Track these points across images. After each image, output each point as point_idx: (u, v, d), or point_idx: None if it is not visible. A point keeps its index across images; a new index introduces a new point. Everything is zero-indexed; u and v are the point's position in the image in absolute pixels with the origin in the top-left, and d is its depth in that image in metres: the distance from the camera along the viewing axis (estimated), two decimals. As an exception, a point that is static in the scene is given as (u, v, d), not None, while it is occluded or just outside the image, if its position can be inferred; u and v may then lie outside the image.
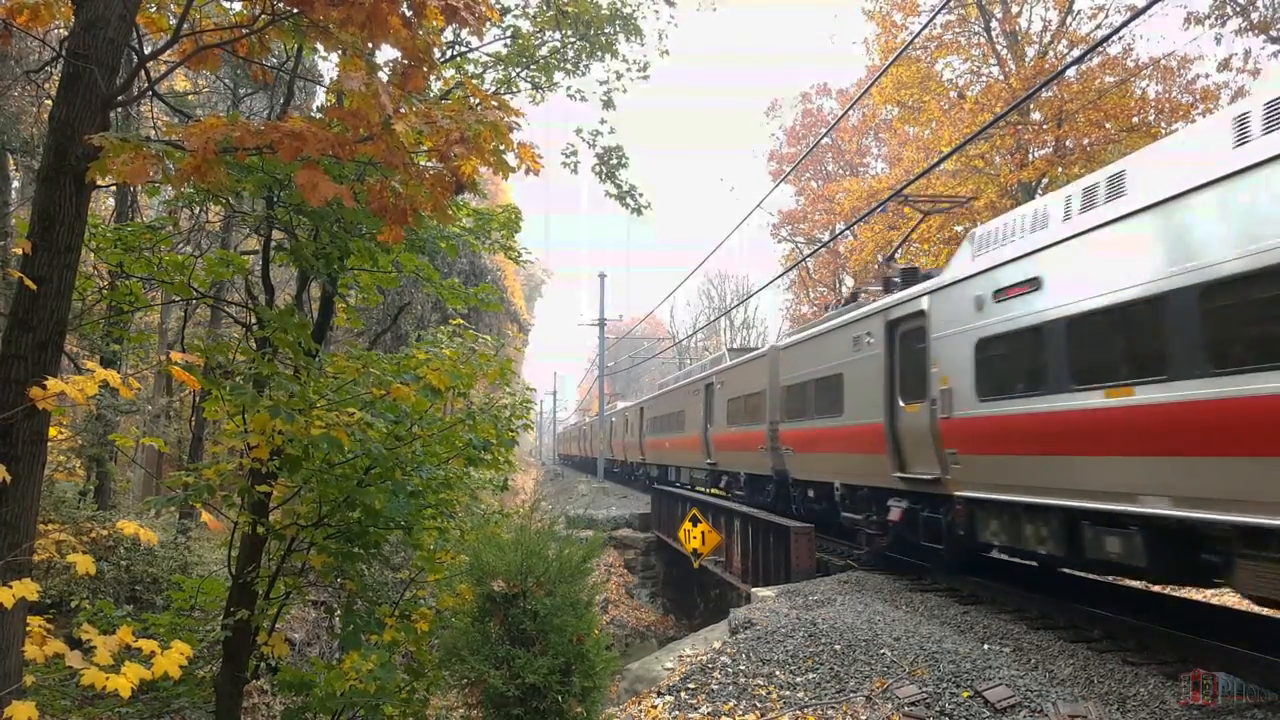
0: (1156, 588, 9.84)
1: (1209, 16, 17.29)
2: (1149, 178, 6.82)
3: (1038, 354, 7.67)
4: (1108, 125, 18.27)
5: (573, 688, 5.74)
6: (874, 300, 11.80)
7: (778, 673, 6.98)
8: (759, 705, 6.38)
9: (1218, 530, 5.90)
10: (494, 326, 26.59)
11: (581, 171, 10.44)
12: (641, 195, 10.36)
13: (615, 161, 9.97)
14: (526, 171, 3.75)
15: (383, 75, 3.55)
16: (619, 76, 9.55)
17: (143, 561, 10.95)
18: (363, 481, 5.66)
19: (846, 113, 23.64)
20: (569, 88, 9.24)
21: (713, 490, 20.65)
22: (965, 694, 6.06)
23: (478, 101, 3.72)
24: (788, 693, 6.57)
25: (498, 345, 9.85)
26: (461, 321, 7.35)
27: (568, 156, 10.09)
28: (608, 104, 9.76)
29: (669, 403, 26.45)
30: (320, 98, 12.35)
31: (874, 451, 10.85)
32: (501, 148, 3.51)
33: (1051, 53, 19.44)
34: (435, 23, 3.63)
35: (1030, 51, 20.17)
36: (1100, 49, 17.63)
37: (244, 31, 4.06)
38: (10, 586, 2.82)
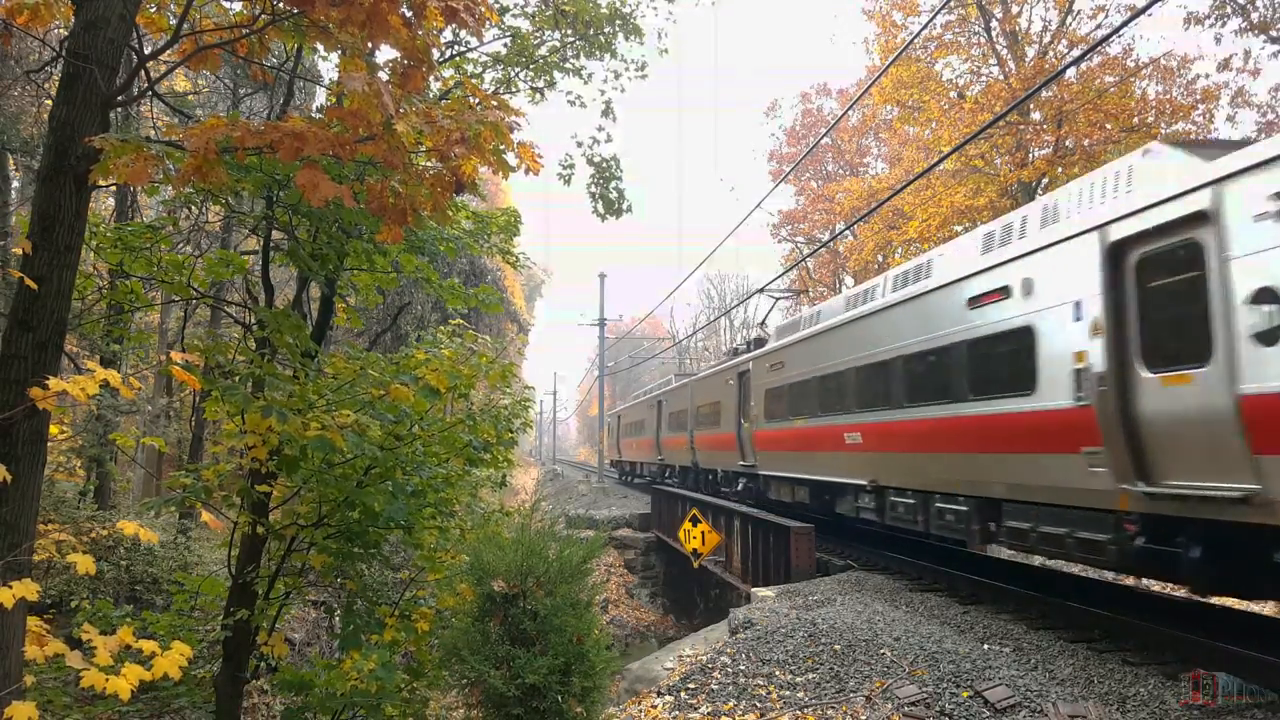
0: (1158, 587, 10.06)
1: (1209, 16, 17.29)
2: (825, 319, 13.46)
3: (782, 400, 15.16)
4: (1108, 125, 18.25)
5: (573, 688, 5.74)
6: (748, 352, 18.75)
7: (778, 673, 6.98)
8: (759, 705, 6.38)
9: (827, 484, 13.18)
10: (494, 327, 26.63)
11: (580, 176, 10.41)
12: (625, 200, 10.14)
13: (609, 173, 9.84)
14: (526, 171, 3.75)
15: (382, 75, 3.54)
16: (617, 76, 9.50)
17: (143, 561, 10.93)
18: (362, 482, 5.64)
19: (846, 112, 23.59)
20: (568, 92, 9.22)
21: (664, 480, 28.28)
22: (965, 694, 6.06)
23: (478, 101, 3.72)
24: (788, 693, 6.57)
25: (499, 347, 9.82)
26: (461, 322, 7.34)
27: (564, 168, 9.99)
28: (607, 112, 9.68)
29: (636, 413, 35.15)
30: (320, 98, 12.35)
31: (731, 450, 18.85)
32: (502, 147, 3.51)
33: (1051, 53, 19.41)
34: (435, 23, 3.63)
35: (1030, 51, 20.15)
36: (1100, 49, 17.62)
37: (244, 31, 4.05)
38: (10, 586, 2.81)
